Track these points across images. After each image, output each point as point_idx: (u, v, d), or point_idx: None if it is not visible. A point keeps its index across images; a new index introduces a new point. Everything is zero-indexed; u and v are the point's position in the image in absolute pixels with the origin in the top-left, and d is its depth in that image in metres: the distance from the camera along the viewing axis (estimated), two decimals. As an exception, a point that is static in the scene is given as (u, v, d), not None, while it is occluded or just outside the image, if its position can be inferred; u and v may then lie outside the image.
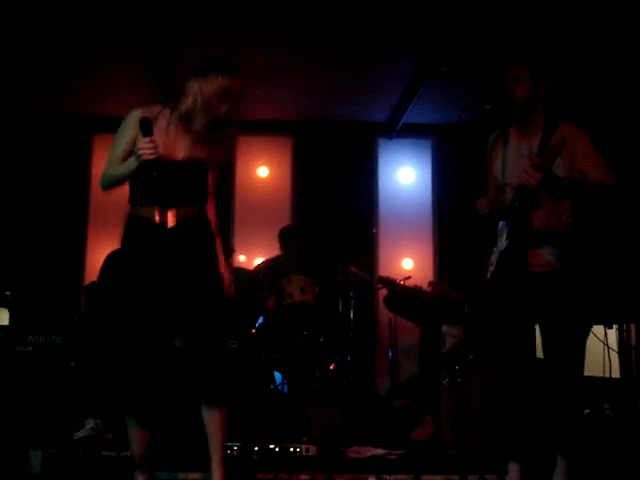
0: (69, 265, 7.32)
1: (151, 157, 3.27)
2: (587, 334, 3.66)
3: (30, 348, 4.89)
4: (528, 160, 3.52)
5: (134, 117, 3.41)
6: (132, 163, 3.35)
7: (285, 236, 6.80)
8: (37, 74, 6.50)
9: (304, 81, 6.67)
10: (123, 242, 3.53)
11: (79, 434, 4.70)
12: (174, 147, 3.44)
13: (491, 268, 3.72)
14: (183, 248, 3.43)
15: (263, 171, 7.82)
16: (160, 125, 3.43)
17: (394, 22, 5.44)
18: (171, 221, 3.40)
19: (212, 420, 3.45)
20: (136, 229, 3.47)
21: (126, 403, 3.51)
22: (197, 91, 3.39)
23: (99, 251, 6.42)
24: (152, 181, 3.29)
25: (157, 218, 3.39)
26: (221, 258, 3.55)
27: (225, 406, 3.49)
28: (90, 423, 4.79)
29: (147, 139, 3.29)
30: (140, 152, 3.27)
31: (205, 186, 3.54)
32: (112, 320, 3.58)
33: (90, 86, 6.77)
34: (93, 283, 5.81)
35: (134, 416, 3.50)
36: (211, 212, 3.59)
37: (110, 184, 3.50)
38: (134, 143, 3.39)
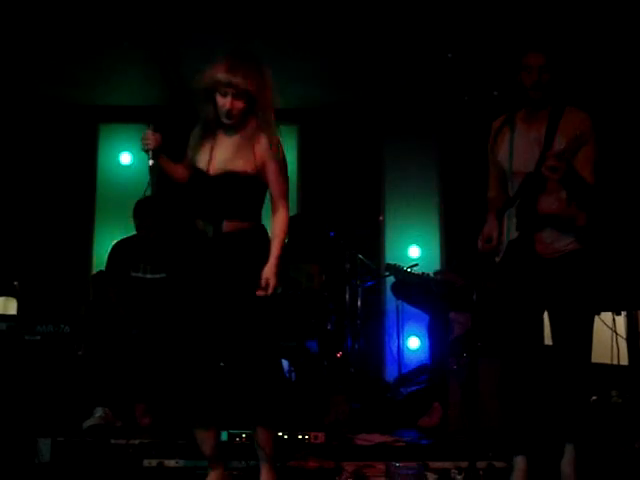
0: (76, 254, 7.32)
1: (146, 147, 3.41)
2: (593, 319, 3.65)
3: (39, 337, 4.93)
4: (537, 147, 3.52)
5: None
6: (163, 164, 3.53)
7: (293, 225, 6.76)
8: (43, 64, 6.49)
9: (310, 69, 6.65)
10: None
11: (88, 422, 4.72)
12: (207, 160, 3.48)
13: (498, 257, 3.71)
14: (225, 261, 3.43)
15: (269, 159, 7.80)
16: (203, 139, 3.52)
17: (401, 8, 5.41)
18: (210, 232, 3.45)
19: (260, 438, 3.48)
20: (180, 239, 3.56)
21: (187, 414, 3.51)
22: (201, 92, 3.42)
23: (106, 240, 6.41)
24: (150, 168, 3.42)
25: (199, 228, 3.47)
26: (274, 261, 3.43)
27: (274, 428, 3.54)
28: (99, 411, 4.81)
29: (149, 130, 3.42)
30: (142, 141, 3.41)
31: (244, 199, 3.50)
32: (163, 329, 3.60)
33: (96, 76, 6.75)
34: (100, 272, 5.82)
35: (199, 424, 3.50)
36: (277, 219, 3.56)
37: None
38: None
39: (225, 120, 3.41)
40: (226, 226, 3.44)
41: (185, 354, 3.42)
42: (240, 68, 3.37)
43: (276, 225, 3.52)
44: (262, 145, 3.48)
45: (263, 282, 3.36)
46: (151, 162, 3.41)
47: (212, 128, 3.48)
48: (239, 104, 3.38)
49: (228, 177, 3.43)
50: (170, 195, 3.53)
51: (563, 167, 3.32)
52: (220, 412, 3.55)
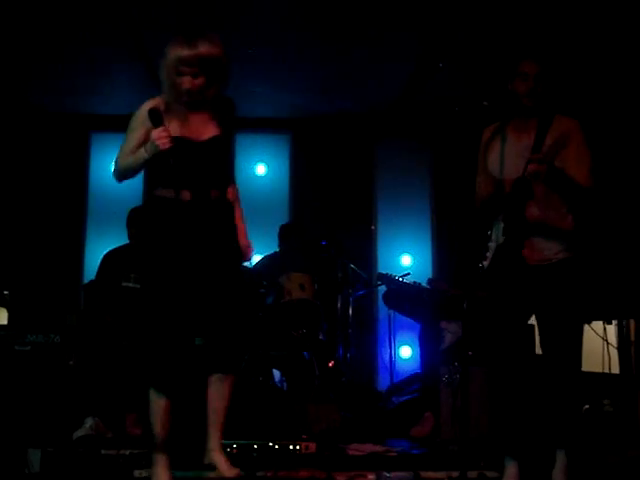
0: (67, 264, 7.31)
1: (167, 146, 3.28)
2: (583, 328, 3.65)
3: (29, 347, 4.89)
4: (528, 154, 3.53)
5: (144, 111, 3.40)
6: (143, 154, 3.36)
7: (285, 233, 6.80)
8: (35, 73, 6.50)
9: (302, 77, 6.66)
10: (148, 223, 3.54)
11: (78, 433, 4.69)
12: (191, 129, 3.45)
13: (486, 262, 3.72)
14: (207, 230, 3.46)
15: (261, 168, 7.81)
16: (174, 111, 3.43)
17: (393, 18, 5.43)
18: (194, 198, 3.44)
19: (219, 391, 3.48)
20: (161, 210, 3.47)
21: (153, 373, 3.46)
22: (163, 72, 3.40)
23: (97, 249, 6.40)
24: (171, 166, 3.31)
25: (183, 197, 3.40)
26: (242, 227, 3.67)
27: (236, 374, 3.54)
28: (89, 422, 4.78)
29: (160, 129, 3.30)
30: (156, 142, 3.28)
31: (225, 164, 3.58)
32: (144, 297, 3.55)
33: (88, 85, 6.77)
34: (91, 282, 5.80)
35: (161, 387, 3.43)
36: (231, 190, 3.65)
37: (123, 175, 3.51)
38: (146, 137, 3.37)
39: (186, 98, 3.40)
40: (213, 194, 3.48)
41: (167, 322, 3.41)
42: (199, 42, 3.35)
43: (234, 193, 3.70)
44: (230, 109, 3.59)
45: (249, 249, 3.63)
46: (172, 160, 3.32)
47: (176, 106, 3.45)
48: (200, 80, 3.38)
49: (215, 142, 3.46)
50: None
51: (544, 170, 3.36)
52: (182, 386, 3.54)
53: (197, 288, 3.43)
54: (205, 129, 3.47)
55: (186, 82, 3.36)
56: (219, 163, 3.51)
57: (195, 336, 3.53)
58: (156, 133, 3.29)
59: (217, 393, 3.50)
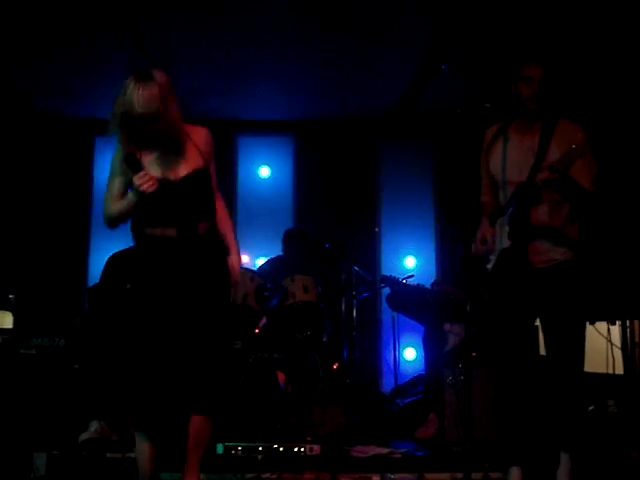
0: (72, 268, 7.32)
1: (152, 189, 3.26)
2: (585, 329, 3.66)
3: (34, 351, 4.92)
4: (531, 156, 3.54)
5: (119, 157, 3.38)
6: (132, 198, 3.36)
7: (289, 239, 6.83)
8: (38, 77, 6.51)
9: (305, 80, 6.67)
10: (140, 260, 3.53)
11: (83, 436, 4.70)
12: (169, 166, 3.41)
13: (489, 265, 3.73)
14: (193, 266, 3.45)
15: (265, 171, 7.83)
16: (148, 152, 3.41)
17: (396, 19, 5.43)
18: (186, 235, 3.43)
19: (197, 430, 3.42)
20: (152, 248, 3.46)
21: (139, 419, 3.46)
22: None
23: (102, 253, 6.40)
24: (161, 203, 3.33)
25: (173, 235, 3.40)
26: (233, 243, 3.61)
27: (213, 417, 3.46)
28: (94, 425, 4.79)
29: (140, 174, 3.26)
30: (140, 189, 3.25)
31: (208, 196, 3.52)
32: (129, 333, 3.56)
33: (92, 89, 6.77)
34: (96, 285, 5.81)
35: (146, 432, 3.43)
36: (223, 210, 3.63)
37: (115, 221, 3.46)
38: (128, 178, 3.35)
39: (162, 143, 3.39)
40: (200, 228, 3.46)
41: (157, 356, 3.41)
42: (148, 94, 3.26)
43: (225, 216, 3.65)
44: (203, 138, 3.52)
45: (237, 265, 3.59)
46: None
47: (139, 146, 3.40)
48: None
49: (195, 177, 3.43)
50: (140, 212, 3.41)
51: (557, 178, 3.35)
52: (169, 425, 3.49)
53: (182, 326, 3.41)
54: (182, 164, 3.42)
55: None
56: (201, 196, 3.48)
57: (178, 372, 3.48)
58: (138, 180, 3.26)
59: (194, 432, 3.42)
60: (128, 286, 5.39)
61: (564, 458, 3.58)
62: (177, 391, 3.43)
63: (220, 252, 3.57)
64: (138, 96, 3.23)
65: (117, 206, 3.42)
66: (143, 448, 3.42)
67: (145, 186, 3.24)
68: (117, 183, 3.42)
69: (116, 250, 5.68)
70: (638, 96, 5.75)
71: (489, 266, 3.74)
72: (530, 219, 3.58)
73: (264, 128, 7.71)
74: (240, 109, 7.30)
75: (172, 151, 3.41)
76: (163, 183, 3.33)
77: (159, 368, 3.39)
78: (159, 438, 3.44)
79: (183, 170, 3.42)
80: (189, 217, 3.43)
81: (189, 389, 3.43)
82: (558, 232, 3.60)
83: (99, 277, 5.65)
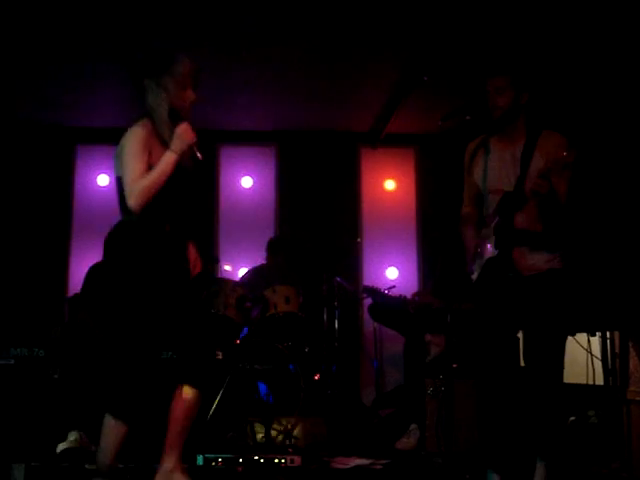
0: (52, 277, 7.27)
1: (194, 139, 3.35)
2: (565, 340, 3.67)
3: (12, 361, 4.87)
4: (513, 167, 3.57)
5: (143, 133, 3.35)
6: (171, 155, 3.31)
7: (273, 248, 6.83)
8: (21, 85, 6.48)
9: (287, 91, 6.68)
10: (137, 250, 3.43)
11: (62, 446, 4.66)
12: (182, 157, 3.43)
13: (474, 276, 3.74)
14: (180, 257, 3.50)
15: (247, 181, 7.82)
16: (159, 138, 3.40)
17: (377, 32, 5.46)
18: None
19: (184, 403, 3.35)
20: (150, 239, 3.43)
21: (117, 401, 3.40)
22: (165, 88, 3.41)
23: (82, 263, 6.38)
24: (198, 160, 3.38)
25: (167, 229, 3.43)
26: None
27: (202, 389, 3.41)
28: (73, 435, 4.75)
29: (186, 123, 3.35)
30: (183, 136, 3.31)
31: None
32: (117, 321, 3.52)
33: (74, 97, 6.75)
34: (76, 295, 5.78)
35: (121, 415, 3.34)
36: None
37: (154, 191, 3.28)
38: (151, 158, 3.32)
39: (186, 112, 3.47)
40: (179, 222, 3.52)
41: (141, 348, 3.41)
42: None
43: None
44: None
45: (198, 262, 3.63)
46: (199, 154, 3.39)
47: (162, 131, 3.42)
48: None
49: (196, 170, 3.49)
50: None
51: (547, 186, 3.39)
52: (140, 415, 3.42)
53: (170, 310, 3.41)
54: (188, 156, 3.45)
55: (191, 95, 3.45)
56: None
57: (164, 351, 3.52)
58: (184, 127, 3.33)
59: (181, 405, 3.35)
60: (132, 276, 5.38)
61: (539, 467, 3.58)
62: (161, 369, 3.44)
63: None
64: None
65: (152, 175, 3.28)
66: (116, 430, 3.33)
67: (190, 134, 3.32)
68: (142, 163, 3.29)
69: (97, 260, 5.65)
70: (618, 108, 5.80)
71: (473, 276, 3.74)
72: (514, 225, 3.61)
73: (246, 138, 7.71)
74: (222, 119, 7.30)
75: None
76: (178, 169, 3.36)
77: (149, 344, 3.40)
78: (139, 425, 3.38)
79: (190, 162, 3.45)
80: (180, 209, 3.50)
81: (176, 363, 3.42)
82: (540, 239, 3.62)
83: (79, 287, 5.62)
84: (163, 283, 3.40)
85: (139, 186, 3.25)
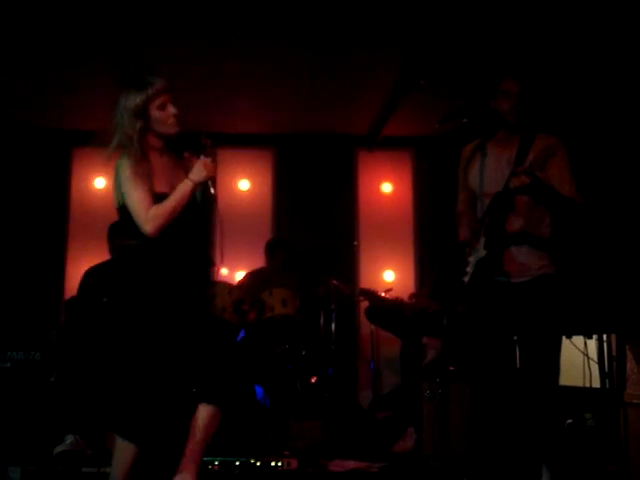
0: (49, 280, 7.25)
1: (212, 175, 3.39)
2: (561, 344, 3.67)
3: (9, 364, 4.87)
4: (509, 170, 3.57)
5: (142, 164, 3.38)
6: (189, 185, 3.36)
7: (271, 248, 6.83)
8: (15, 88, 6.47)
9: (284, 94, 6.68)
10: (148, 274, 3.45)
11: (58, 448, 4.67)
12: (173, 183, 3.45)
13: (466, 278, 3.73)
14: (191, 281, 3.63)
15: (244, 184, 7.81)
16: (154, 166, 3.43)
17: (374, 35, 5.46)
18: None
19: (203, 419, 3.29)
20: (162, 263, 3.46)
21: (124, 422, 3.35)
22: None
23: (79, 266, 6.37)
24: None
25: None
26: None
27: (224, 407, 3.35)
28: (70, 439, 4.76)
29: (210, 158, 3.38)
30: (205, 172, 3.35)
31: None
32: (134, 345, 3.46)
33: (70, 100, 6.74)
34: (73, 298, 5.77)
35: (128, 436, 3.31)
36: None
37: (168, 219, 3.35)
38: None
39: (173, 130, 3.47)
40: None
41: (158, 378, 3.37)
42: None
43: None
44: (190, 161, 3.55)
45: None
46: (213, 190, 3.42)
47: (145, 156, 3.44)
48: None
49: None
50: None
51: (528, 182, 3.39)
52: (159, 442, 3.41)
53: (187, 336, 3.41)
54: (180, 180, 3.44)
55: (172, 110, 3.47)
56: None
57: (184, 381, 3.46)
58: (208, 161, 3.38)
59: (201, 422, 3.30)
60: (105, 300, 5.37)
61: (545, 472, 3.58)
62: (179, 388, 3.41)
63: None
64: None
65: (167, 205, 3.34)
66: (126, 451, 3.29)
67: (212, 171, 3.36)
68: (146, 191, 3.33)
69: (94, 262, 5.65)
70: (617, 109, 5.81)
71: (465, 279, 3.74)
72: (506, 227, 3.60)
73: (244, 141, 7.70)
74: (220, 122, 7.29)
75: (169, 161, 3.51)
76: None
77: (160, 373, 3.35)
78: (152, 447, 3.35)
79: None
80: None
81: (197, 380, 3.37)
82: (534, 239, 3.62)
83: (76, 290, 5.61)
84: (175, 308, 3.42)
85: (155, 212, 3.32)
